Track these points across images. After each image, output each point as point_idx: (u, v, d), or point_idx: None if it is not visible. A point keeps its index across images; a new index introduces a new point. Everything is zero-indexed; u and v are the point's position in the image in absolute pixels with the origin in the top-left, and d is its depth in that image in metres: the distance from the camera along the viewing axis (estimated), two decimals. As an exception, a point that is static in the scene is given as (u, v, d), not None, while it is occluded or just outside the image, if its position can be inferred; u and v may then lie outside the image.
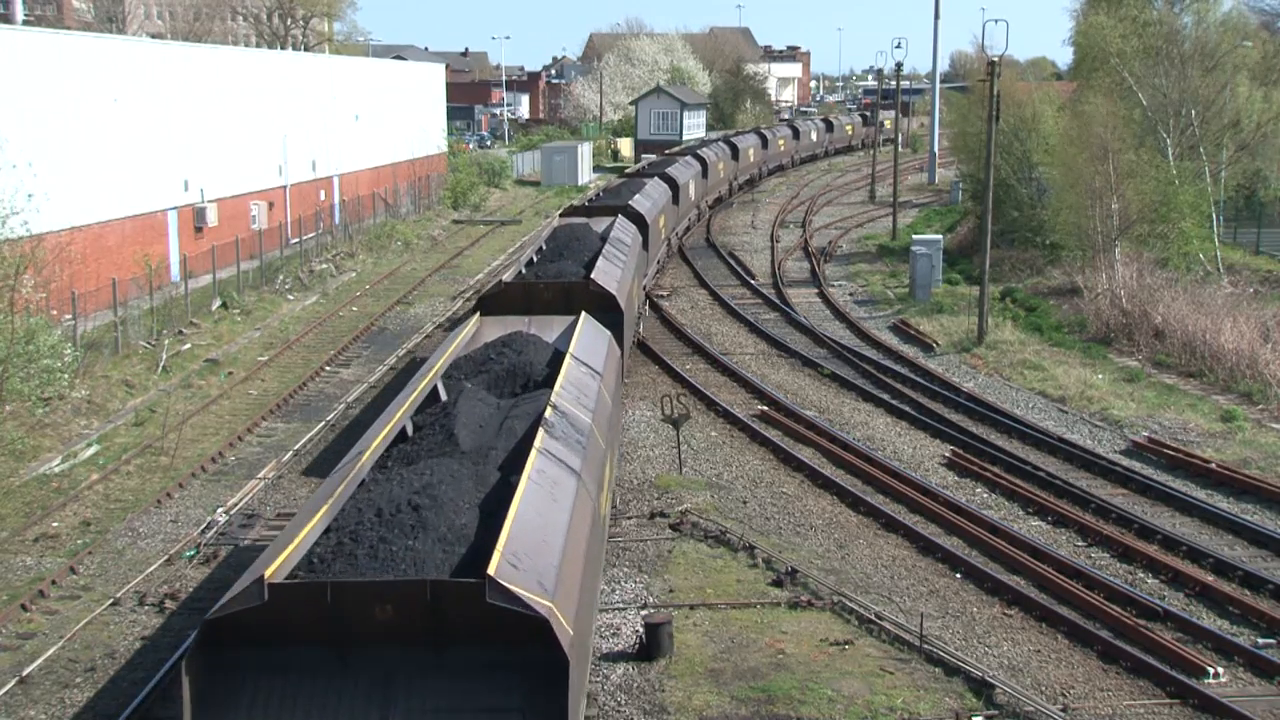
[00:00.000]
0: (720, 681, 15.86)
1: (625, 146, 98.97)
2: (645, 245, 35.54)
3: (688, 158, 56.54)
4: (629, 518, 21.46)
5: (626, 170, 57.15)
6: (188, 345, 33.52)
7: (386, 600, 9.82)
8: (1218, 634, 16.87)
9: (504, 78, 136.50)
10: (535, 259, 28.70)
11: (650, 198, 40.62)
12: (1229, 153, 43.80)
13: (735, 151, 68.89)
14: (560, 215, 36.35)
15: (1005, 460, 24.22)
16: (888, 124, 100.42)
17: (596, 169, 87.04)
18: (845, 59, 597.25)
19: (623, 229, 32.51)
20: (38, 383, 24.58)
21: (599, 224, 33.33)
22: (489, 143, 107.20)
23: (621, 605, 18.05)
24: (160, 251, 39.46)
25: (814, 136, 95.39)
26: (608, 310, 22.84)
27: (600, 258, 26.36)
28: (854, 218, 62.60)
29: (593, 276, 23.68)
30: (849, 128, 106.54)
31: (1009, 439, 25.92)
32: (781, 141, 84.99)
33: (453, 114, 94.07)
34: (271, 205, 48.33)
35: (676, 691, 15.61)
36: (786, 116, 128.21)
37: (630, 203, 37.02)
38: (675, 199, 46.92)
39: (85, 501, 22.88)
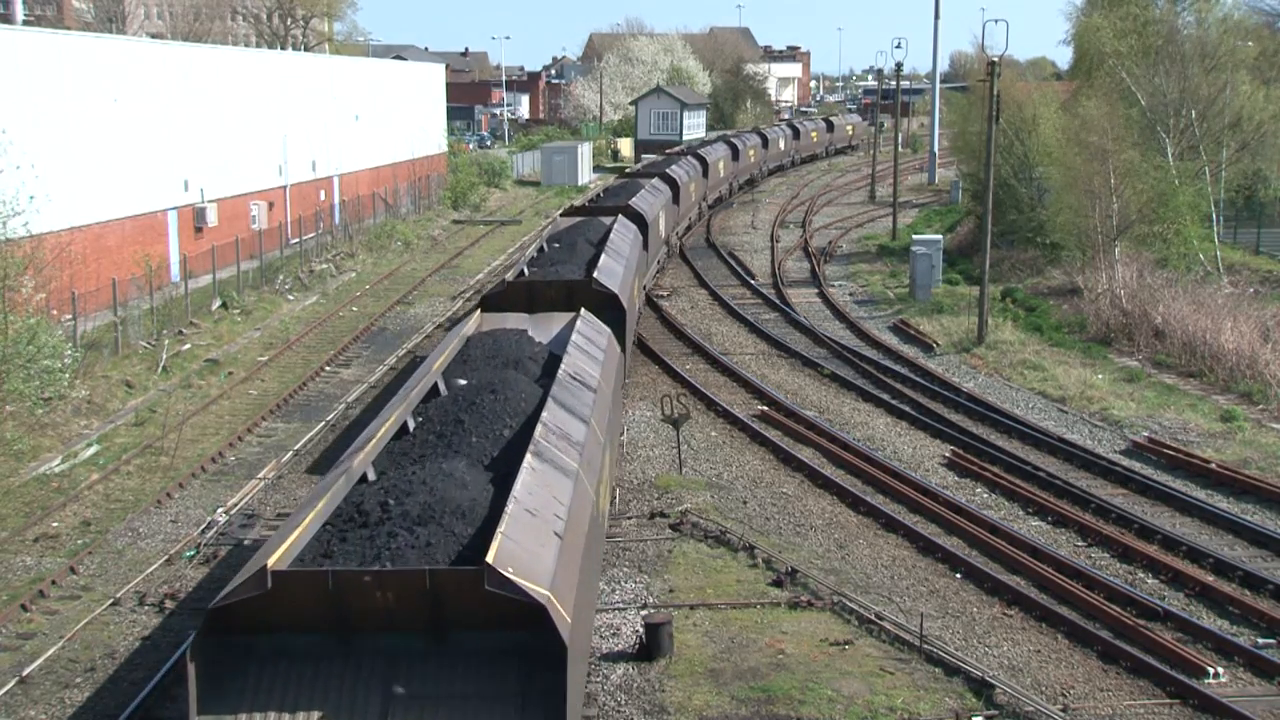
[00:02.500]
0: (720, 681, 15.86)
1: (625, 146, 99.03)
2: (622, 344, 22.67)
3: (655, 181, 44.65)
4: (629, 518, 21.47)
5: (574, 202, 43.51)
6: (188, 345, 33.52)
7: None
8: (1218, 634, 16.86)
9: (504, 78, 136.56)
10: (415, 427, 14.98)
11: (621, 255, 27.83)
12: (1229, 152, 43.80)
13: (705, 168, 58.48)
14: (482, 310, 22.71)
15: (1005, 460, 24.21)
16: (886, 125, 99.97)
17: (596, 169, 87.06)
18: (845, 59, 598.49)
19: (587, 339, 19.70)
20: (38, 383, 24.57)
21: (545, 326, 20.69)
22: (489, 143, 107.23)
23: (621, 605, 18.05)
24: (160, 251, 39.46)
25: (781, 145, 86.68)
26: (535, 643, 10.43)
27: (532, 451, 13.17)
28: (854, 218, 62.61)
29: (495, 562, 10.27)
30: (814, 134, 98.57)
31: (1009, 439, 25.91)
32: (752, 152, 75.43)
33: (453, 114, 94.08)
34: (271, 205, 48.33)
35: (676, 691, 15.61)
36: (786, 117, 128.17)
37: (596, 276, 24.35)
38: (646, 243, 34.50)
39: (85, 501, 22.88)
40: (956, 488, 23.11)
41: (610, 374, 19.22)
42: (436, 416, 15.12)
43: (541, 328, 20.63)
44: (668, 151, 62.84)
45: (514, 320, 21.05)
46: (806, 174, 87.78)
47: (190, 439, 26.36)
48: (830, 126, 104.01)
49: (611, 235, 29.30)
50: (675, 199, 46.59)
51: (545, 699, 10.23)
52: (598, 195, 42.48)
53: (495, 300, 23.31)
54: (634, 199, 37.33)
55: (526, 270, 26.23)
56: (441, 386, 16.73)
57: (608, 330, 21.29)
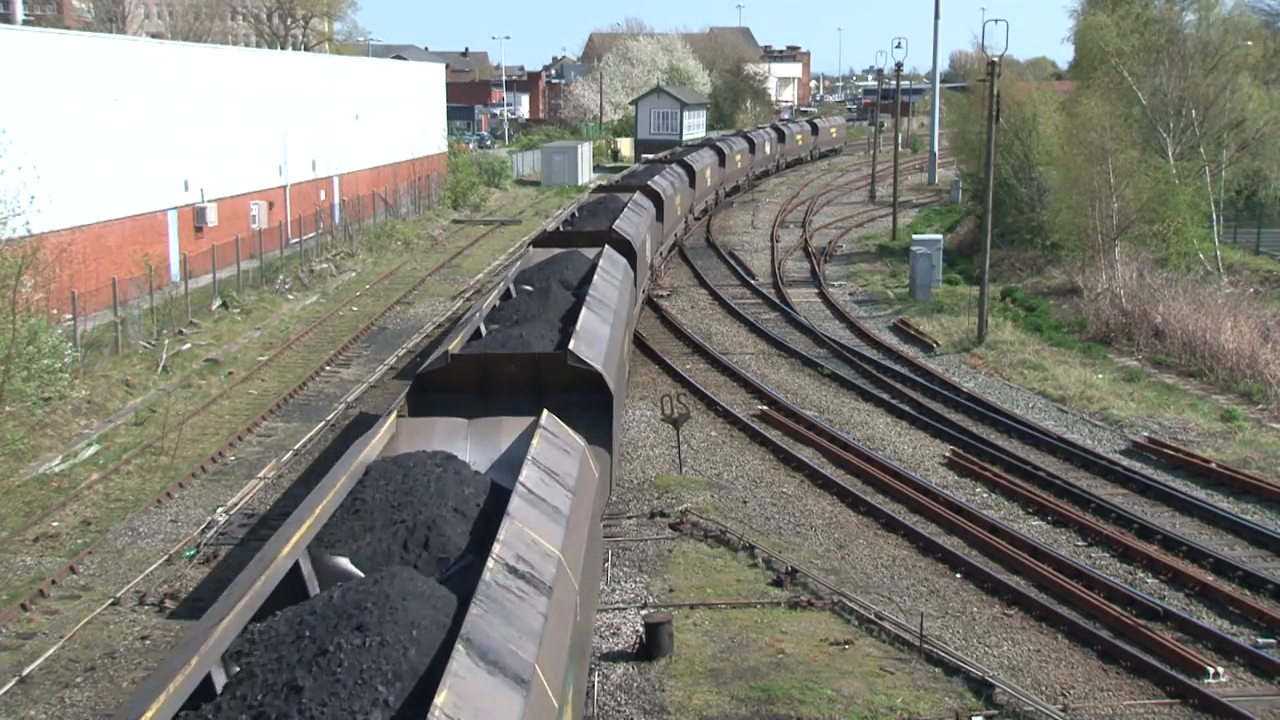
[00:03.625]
0: (720, 681, 15.86)
1: (625, 146, 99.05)
2: (606, 443, 16.33)
3: (637, 196, 38.19)
4: (629, 518, 21.48)
5: (546, 227, 36.49)
6: (188, 345, 33.52)
7: None
8: (1218, 634, 16.87)
9: (504, 78, 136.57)
10: (223, 688, 8.09)
11: (608, 306, 21.51)
12: (1229, 152, 43.81)
13: (691, 177, 52.19)
14: (409, 409, 15.69)
15: (1005, 460, 24.21)
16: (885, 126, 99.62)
17: (596, 169, 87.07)
18: (845, 59, 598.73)
19: (547, 472, 12.35)
20: (38, 383, 24.59)
21: (492, 439, 13.45)
22: (489, 143, 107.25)
23: (621, 605, 18.05)
24: (160, 251, 39.47)
25: (767, 149, 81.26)
26: None
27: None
28: (854, 218, 62.62)
29: None
30: (799, 137, 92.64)
31: (1009, 439, 25.91)
32: (739, 157, 69.95)
33: (453, 114, 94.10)
34: (271, 205, 48.34)
35: (676, 691, 15.62)
36: (786, 116, 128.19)
37: (574, 346, 17.03)
38: (635, 278, 28.71)
39: (85, 501, 22.88)
40: (956, 487, 23.11)
41: (580, 534, 11.83)
42: (263, 667, 8.06)
43: (485, 442, 13.36)
44: (648, 159, 57.78)
45: (443, 432, 13.43)
46: (806, 174, 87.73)
47: (190, 439, 26.36)
48: (815, 129, 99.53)
49: (595, 279, 22.81)
50: (659, 215, 40.11)
51: None
52: (572, 215, 35.96)
53: (433, 382, 16.33)
54: (618, 222, 30.75)
55: (484, 328, 19.43)
56: (305, 569, 9.80)
57: (580, 445, 13.99)
